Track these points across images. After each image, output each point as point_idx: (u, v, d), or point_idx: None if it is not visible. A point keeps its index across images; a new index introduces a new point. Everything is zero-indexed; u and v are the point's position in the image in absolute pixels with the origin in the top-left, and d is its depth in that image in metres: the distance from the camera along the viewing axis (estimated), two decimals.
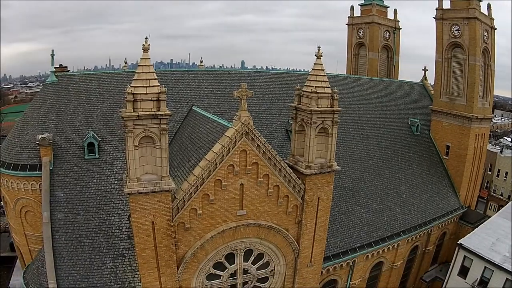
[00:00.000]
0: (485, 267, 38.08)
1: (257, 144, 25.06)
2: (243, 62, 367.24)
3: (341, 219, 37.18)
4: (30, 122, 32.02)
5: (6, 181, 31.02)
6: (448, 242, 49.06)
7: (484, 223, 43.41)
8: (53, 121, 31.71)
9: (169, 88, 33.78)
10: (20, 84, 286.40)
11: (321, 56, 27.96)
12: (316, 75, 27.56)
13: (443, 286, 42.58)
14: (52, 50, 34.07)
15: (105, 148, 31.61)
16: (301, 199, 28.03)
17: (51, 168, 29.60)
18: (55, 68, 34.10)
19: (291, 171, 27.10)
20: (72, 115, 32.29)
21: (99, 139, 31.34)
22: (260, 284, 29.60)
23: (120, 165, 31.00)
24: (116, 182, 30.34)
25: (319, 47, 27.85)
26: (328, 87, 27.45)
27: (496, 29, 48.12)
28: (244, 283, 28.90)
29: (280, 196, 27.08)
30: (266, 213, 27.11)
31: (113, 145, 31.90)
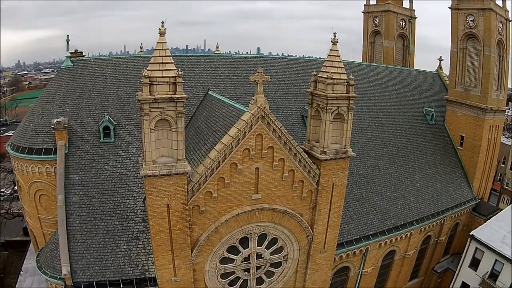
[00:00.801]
0: (496, 260, 37.88)
1: (273, 129, 24.93)
2: (258, 49, 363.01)
3: (355, 206, 37.06)
4: (45, 106, 32.20)
5: (21, 165, 31.30)
6: (460, 233, 48.74)
7: (496, 215, 43.11)
8: (68, 105, 31.86)
9: (185, 73, 33.55)
10: (34, 71, 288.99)
11: (337, 42, 27.64)
12: (332, 61, 27.30)
13: (454, 278, 42.41)
14: (68, 36, 34.35)
15: (121, 131, 31.70)
16: (316, 184, 27.90)
17: (66, 151, 29.75)
18: (70, 53, 34.17)
19: (307, 156, 26.97)
20: (88, 100, 32.40)
21: (115, 123, 31.43)
22: (273, 269, 29.68)
23: (135, 148, 31.12)
24: (131, 165, 30.46)
25: (334, 33, 27.52)
26: (344, 73, 27.19)
27: (511, 21, 47.27)
28: (257, 268, 28.98)
29: (295, 181, 26.99)
30: (281, 197, 27.07)
31: (129, 129, 31.98)
